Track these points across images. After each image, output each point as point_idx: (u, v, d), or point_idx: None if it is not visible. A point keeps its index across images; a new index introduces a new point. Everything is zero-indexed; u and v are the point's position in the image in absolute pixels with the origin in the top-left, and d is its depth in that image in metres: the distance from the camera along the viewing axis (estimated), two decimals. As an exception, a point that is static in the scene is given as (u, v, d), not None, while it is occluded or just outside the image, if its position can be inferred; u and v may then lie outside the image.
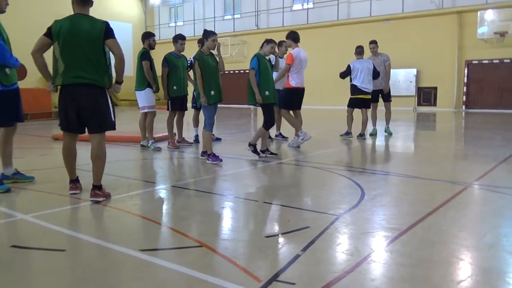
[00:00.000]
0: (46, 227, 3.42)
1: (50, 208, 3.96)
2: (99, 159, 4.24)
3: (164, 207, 4.23)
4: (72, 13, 4.18)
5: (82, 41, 4.03)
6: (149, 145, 7.59)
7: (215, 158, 6.24)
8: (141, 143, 7.77)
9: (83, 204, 4.17)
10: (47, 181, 5.12)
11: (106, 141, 4.36)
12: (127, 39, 29.27)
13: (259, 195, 4.54)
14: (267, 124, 6.71)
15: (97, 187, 4.26)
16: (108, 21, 4.18)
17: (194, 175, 5.84)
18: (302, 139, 7.66)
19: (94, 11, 4.07)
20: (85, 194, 4.46)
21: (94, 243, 3.04)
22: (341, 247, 2.96)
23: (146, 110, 7.54)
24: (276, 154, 6.92)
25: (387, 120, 10.04)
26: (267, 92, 6.58)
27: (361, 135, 9.16)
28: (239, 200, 4.36)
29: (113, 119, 4.29)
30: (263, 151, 6.86)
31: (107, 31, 4.08)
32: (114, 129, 4.33)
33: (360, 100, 9.12)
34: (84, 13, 4.16)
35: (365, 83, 8.96)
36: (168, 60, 7.63)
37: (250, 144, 6.79)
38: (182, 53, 7.90)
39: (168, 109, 7.94)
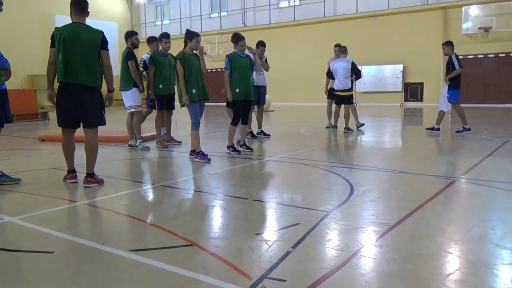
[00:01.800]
0: (34, 229, 3.38)
1: (37, 210, 3.92)
2: (92, 150, 4.82)
3: (153, 206, 4.21)
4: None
5: (81, 48, 4.57)
6: (137, 144, 7.54)
7: (204, 156, 6.24)
8: (129, 143, 7.72)
9: (71, 205, 4.13)
10: (34, 182, 5.06)
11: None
12: (112, 38, 28.71)
13: (248, 192, 4.54)
14: (239, 120, 6.98)
15: (90, 175, 4.80)
16: (102, 31, 4.71)
17: (183, 174, 5.82)
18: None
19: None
20: (74, 195, 4.42)
21: (83, 244, 3.01)
22: (331, 243, 2.97)
23: (133, 110, 7.49)
24: (251, 150, 7.13)
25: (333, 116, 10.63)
26: (237, 90, 6.74)
27: (348, 129, 9.75)
28: (228, 198, 4.36)
29: (104, 116, 4.88)
30: (240, 146, 7.09)
31: (103, 42, 4.70)
32: (105, 124, 4.93)
33: (338, 97, 9.82)
34: (81, 22, 4.68)
35: (340, 82, 9.66)
36: (154, 59, 7.60)
37: (228, 147, 6.97)
38: (169, 51, 7.88)
39: (155, 108, 7.91)
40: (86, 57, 4.57)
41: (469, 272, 2.48)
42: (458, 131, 9.15)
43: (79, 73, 4.56)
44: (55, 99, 4.68)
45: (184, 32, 6.63)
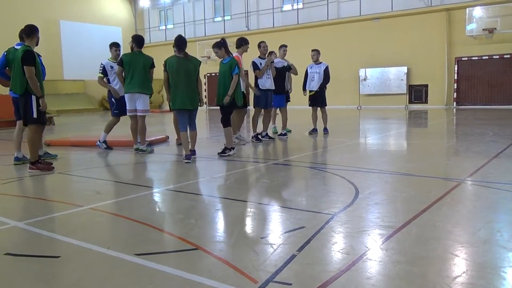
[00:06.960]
0: (40, 233, 3.39)
1: (43, 215, 3.93)
2: (28, 142, 5.91)
3: (159, 210, 4.22)
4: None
5: (14, 64, 5.77)
6: (144, 148, 7.54)
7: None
8: (135, 147, 7.72)
9: (77, 209, 4.14)
10: (39, 187, 5.09)
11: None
12: (117, 43, 29.11)
13: (253, 196, 4.53)
14: (226, 122, 7.14)
15: (31, 162, 5.90)
16: (28, 49, 5.72)
17: (188, 178, 5.82)
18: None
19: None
20: (79, 199, 4.43)
21: (88, 248, 3.02)
22: (337, 246, 2.96)
23: (141, 114, 7.50)
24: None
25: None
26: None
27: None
28: (233, 201, 4.36)
29: (34, 116, 5.82)
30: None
31: (21, 58, 5.61)
32: (35, 123, 5.89)
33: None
34: (31, 44, 5.85)
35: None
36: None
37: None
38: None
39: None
40: (15, 72, 5.76)
41: (475, 275, 2.47)
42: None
43: (13, 84, 5.85)
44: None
45: (188, 36, 6.68)
